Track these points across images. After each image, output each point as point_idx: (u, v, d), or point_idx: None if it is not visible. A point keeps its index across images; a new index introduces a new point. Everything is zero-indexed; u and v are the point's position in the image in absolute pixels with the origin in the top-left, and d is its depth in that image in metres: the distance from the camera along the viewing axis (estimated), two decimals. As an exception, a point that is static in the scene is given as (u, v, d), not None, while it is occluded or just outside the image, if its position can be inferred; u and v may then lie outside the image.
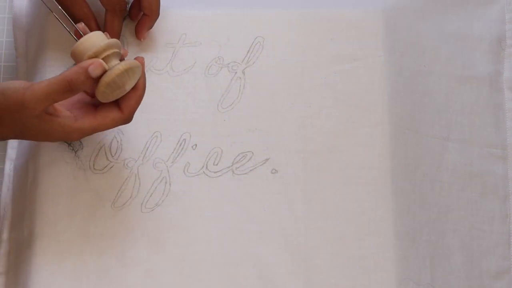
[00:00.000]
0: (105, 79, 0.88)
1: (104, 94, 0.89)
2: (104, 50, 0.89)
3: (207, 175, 0.98)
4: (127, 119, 0.91)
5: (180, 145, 0.99)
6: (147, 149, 0.98)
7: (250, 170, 0.98)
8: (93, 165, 0.97)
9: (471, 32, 1.06)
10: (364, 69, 1.01)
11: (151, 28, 1.01)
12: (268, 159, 0.98)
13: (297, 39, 1.02)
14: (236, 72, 1.01)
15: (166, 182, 0.97)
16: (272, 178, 0.98)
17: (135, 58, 0.91)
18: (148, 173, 0.97)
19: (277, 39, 1.02)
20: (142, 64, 0.91)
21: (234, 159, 0.98)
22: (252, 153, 0.99)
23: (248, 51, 1.02)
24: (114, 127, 0.91)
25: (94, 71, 0.87)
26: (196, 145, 0.99)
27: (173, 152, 0.98)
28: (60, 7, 0.96)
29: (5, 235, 0.98)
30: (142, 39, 1.01)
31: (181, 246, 0.95)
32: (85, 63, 0.87)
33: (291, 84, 1.01)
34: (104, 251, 0.95)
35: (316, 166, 0.98)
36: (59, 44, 1.02)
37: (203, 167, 0.98)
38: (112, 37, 0.95)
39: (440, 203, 0.99)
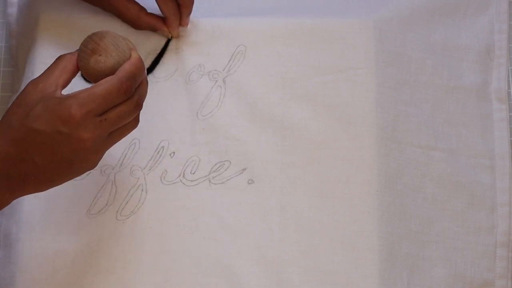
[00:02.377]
0: None
1: (82, 65, 0.83)
2: None
3: (183, 183, 0.95)
4: (124, 83, 0.81)
5: (158, 153, 0.96)
6: (124, 156, 0.96)
7: (227, 180, 0.95)
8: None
9: (459, 42, 1.03)
10: (345, 81, 0.97)
11: (190, 14, 0.99)
12: (245, 169, 0.96)
13: (279, 49, 0.99)
14: (216, 80, 0.99)
15: (142, 190, 0.95)
16: (248, 188, 0.95)
17: None
18: (124, 180, 0.95)
19: (259, 48, 0.99)
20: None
21: (212, 168, 0.96)
22: (230, 162, 0.96)
23: (230, 59, 0.99)
24: (112, 91, 0.81)
25: None
26: (174, 153, 0.96)
27: (150, 160, 0.96)
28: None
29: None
30: (185, 26, 1.00)
31: (154, 254, 0.93)
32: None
33: (271, 94, 0.98)
34: (77, 258, 0.93)
35: (293, 178, 0.95)
36: (47, 53, 1.00)
37: (180, 175, 0.96)
38: (170, 16, 0.98)
39: (423, 215, 0.96)
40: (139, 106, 0.84)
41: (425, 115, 0.99)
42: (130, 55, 0.83)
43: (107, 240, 0.93)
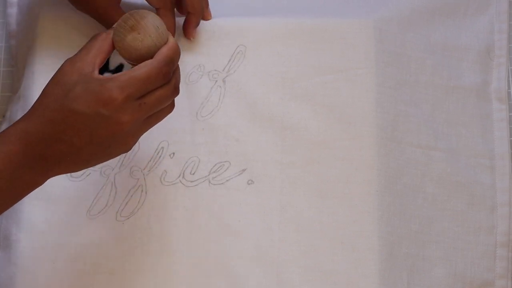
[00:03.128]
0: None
1: (117, 40, 0.83)
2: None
3: (183, 184, 0.95)
4: (163, 67, 0.81)
5: (157, 153, 0.96)
6: (124, 157, 0.96)
7: (227, 180, 0.95)
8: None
9: (459, 42, 1.02)
10: (345, 81, 0.97)
11: (197, 25, 0.99)
12: (245, 169, 0.95)
13: (279, 49, 0.99)
14: (216, 81, 0.98)
15: (142, 191, 0.95)
16: (248, 189, 0.94)
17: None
18: (124, 181, 0.95)
19: (259, 48, 0.99)
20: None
21: (211, 168, 0.95)
22: (229, 163, 0.95)
23: (230, 59, 0.99)
24: (152, 75, 0.80)
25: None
26: (173, 153, 0.96)
27: (150, 160, 0.96)
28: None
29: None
30: (192, 38, 0.99)
31: (154, 255, 0.92)
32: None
33: (271, 94, 0.97)
34: (77, 259, 0.92)
35: (293, 178, 0.94)
36: (47, 53, 1.00)
37: (179, 176, 0.95)
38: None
39: (423, 215, 0.95)
40: (176, 90, 0.84)
41: (425, 115, 0.98)
42: (167, 39, 0.83)
43: (107, 240, 0.93)
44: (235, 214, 0.94)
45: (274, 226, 0.93)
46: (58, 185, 0.94)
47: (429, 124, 0.98)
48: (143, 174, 0.95)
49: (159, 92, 0.82)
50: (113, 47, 0.83)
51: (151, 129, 0.95)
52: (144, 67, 0.80)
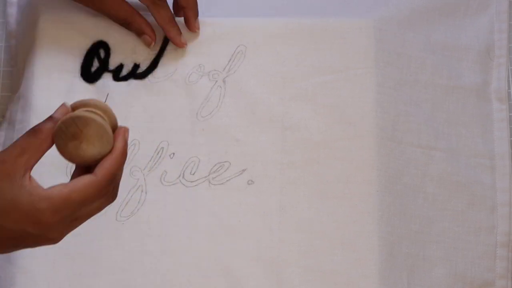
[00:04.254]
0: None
1: (59, 144, 0.76)
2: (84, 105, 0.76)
3: (183, 184, 0.94)
4: (104, 186, 0.74)
5: (157, 154, 0.95)
6: None
7: (227, 180, 0.94)
8: (70, 172, 0.95)
9: (459, 42, 1.02)
10: (345, 81, 0.96)
11: (197, 16, 0.98)
12: (245, 169, 0.95)
13: (279, 48, 0.98)
14: (216, 81, 0.98)
15: (142, 191, 0.94)
16: (248, 189, 0.94)
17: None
18: (124, 181, 0.93)
19: (259, 48, 0.98)
20: (124, 131, 0.77)
21: (211, 168, 0.95)
22: (229, 163, 0.95)
23: (230, 59, 0.98)
24: (89, 196, 0.74)
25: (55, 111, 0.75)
26: (173, 153, 0.95)
27: (150, 161, 0.95)
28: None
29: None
30: (196, 30, 0.98)
31: (154, 255, 0.92)
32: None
33: (271, 94, 0.97)
34: (77, 259, 0.92)
35: (292, 178, 0.94)
36: (47, 53, 0.99)
37: (179, 176, 0.95)
38: (165, 25, 0.96)
39: (423, 215, 0.95)
40: (113, 197, 0.77)
41: (425, 115, 0.98)
42: (113, 146, 0.75)
43: (107, 240, 0.92)
44: (235, 214, 0.93)
45: (274, 226, 0.92)
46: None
47: (429, 124, 0.98)
48: (143, 174, 0.95)
49: (95, 206, 0.75)
50: (52, 145, 0.76)
51: (150, 128, 0.96)
52: (83, 188, 0.73)
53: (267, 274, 0.91)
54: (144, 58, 0.99)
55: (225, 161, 0.95)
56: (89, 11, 1.00)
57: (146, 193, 0.94)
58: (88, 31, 1.00)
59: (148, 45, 0.98)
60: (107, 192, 0.75)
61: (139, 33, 0.98)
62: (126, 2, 0.97)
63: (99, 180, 0.74)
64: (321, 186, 0.94)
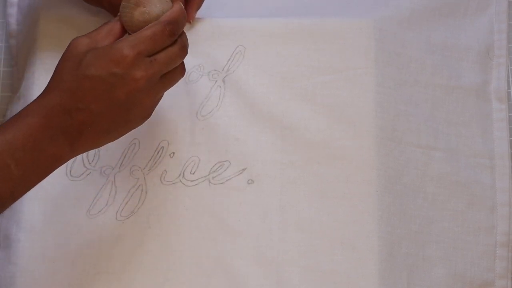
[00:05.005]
0: None
1: (126, 18, 0.85)
2: None
3: (183, 183, 0.94)
4: (170, 29, 0.83)
5: (157, 153, 0.95)
6: (124, 156, 0.95)
7: (227, 180, 0.94)
8: (70, 172, 0.94)
9: (458, 42, 1.01)
10: (345, 81, 0.96)
11: (199, 8, 0.98)
12: (245, 169, 0.94)
13: (279, 49, 0.98)
14: (216, 81, 0.97)
15: (142, 190, 0.94)
16: (248, 188, 0.94)
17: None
18: (124, 181, 0.94)
19: (258, 48, 0.98)
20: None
21: (211, 168, 0.95)
22: (229, 162, 0.95)
23: (229, 59, 0.98)
24: (158, 34, 0.82)
25: None
26: (173, 153, 0.95)
27: (150, 160, 0.95)
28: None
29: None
30: (191, 21, 0.99)
31: (154, 254, 0.92)
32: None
33: (271, 94, 0.96)
34: (77, 259, 0.92)
35: (292, 178, 0.94)
36: (47, 53, 0.99)
37: (179, 175, 0.94)
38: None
39: (423, 215, 0.95)
40: (184, 50, 0.84)
41: (425, 115, 0.98)
42: (172, 6, 0.85)
43: (107, 240, 0.92)
44: (235, 214, 0.93)
45: (274, 226, 0.92)
46: (58, 185, 0.94)
47: (429, 124, 0.97)
48: (143, 174, 0.94)
49: (169, 50, 0.83)
50: (123, 30, 0.84)
51: (151, 128, 0.95)
52: (150, 27, 0.82)
53: (267, 274, 0.91)
54: None
55: (225, 161, 0.95)
56: (89, 11, 1.00)
57: (146, 192, 0.94)
58: (88, 30, 0.99)
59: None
60: (173, 34, 0.83)
61: None
62: None
63: (163, 21, 0.82)
64: (321, 186, 0.93)
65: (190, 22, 0.99)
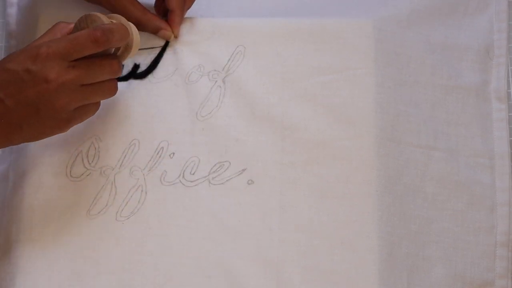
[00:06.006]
0: None
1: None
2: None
3: (183, 184, 0.94)
4: (93, 35, 0.84)
5: (157, 153, 0.95)
6: (124, 157, 0.94)
7: (227, 180, 0.94)
8: (70, 172, 0.94)
9: (458, 42, 1.01)
10: (345, 81, 0.96)
11: (180, 23, 0.98)
12: (244, 169, 0.94)
13: (279, 49, 0.98)
14: (216, 81, 0.97)
15: (142, 190, 0.93)
16: (248, 189, 0.93)
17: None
18: (124, 181, 0.94)
19: (258, 48, 0.98)
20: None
21: (211, 168, 0.94)
22: (229, 163, 0.94)
23: (229, 59, 0.98)
24: (79, 38, 0.84)
25: None
26: (173, 153, 0.95)
27: (150, 160, 0.94)
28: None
29: (-17, 241, 0.95)
30: (176, 37, 0.99)
31: (154, 255, 0.91)
32: None
33: (270, 94, 0.96)
34: (78, 259, 0.91)
35: (292, 178, 0.93)
36: None
37: (179, 176, 0.94)
38: (176, 9, 0.96)
39: (423, 215, 0.94)
40: (113, 66, 0.86)
41: (424, 115, 0.97)
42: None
43: (107, 240, 0.92)
44: (235, 214, 0.92)
45: (274, 226, 0.92)
46: (58, 185, 0.93)
47: (428, 124, 0.97)
48: (143, 174, 0.94)
49: (93, 59, 0.84)
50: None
51: (151, 128, 0.94)
52: (77, 32, 0.84)
53: (267, 274, 0.90)
54: (144, 58, 0.98)
55: (225, 161, 0.94)
56: (89, 11, 0.99)
57: (146, 193, 0.93)
58: (88, 31, 0.99)
59: (168, 38, 0.98)
60: (100, 42, 0.83)
61: (155, 31, 0.98)
62: (138, 2, 0.97)
63: (93, 27, 0.85)
64: (321, 186, 0.93)
65: (176, 37, 0.99)
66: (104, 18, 0.87)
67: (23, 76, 0.82)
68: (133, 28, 0.90)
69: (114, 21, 0.88)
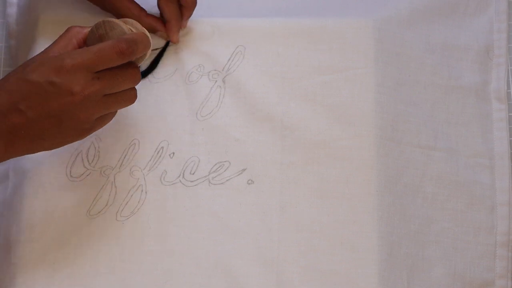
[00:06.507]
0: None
1: (88, 43, 0.87)
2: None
3: (183, 184, 0.94)
4: (118, 46, 0.83)
5: (157, 153, 0.95)
6: (124, 157, 0.94)
7: (227, 180, 0.94)
8: (70, 172, 0.94)
9: (458, 42, 1.01)
10: (345, 81, 0.96)
11: (190, 16, 0.98)
12: (245, 169, 0.94)
13: (279, 49, 0.97)
14: (216, 81, 0.97)
15: (142, 190, 0.93)
16: (248, 188, 0.93)
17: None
18: (124, 181, 0.94)
19: (258, 48, 0.98)
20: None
21: (211, 168, 0.94)
22: (229, 162, 0.94)
23: (229, 59, 0.97)
24: (104, 50, 0.82)
25: None
26: (173, 153, 0.95)
27: (150, 160, 0.94)
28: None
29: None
30: (183, 27, 0.98)
31: (154, 255, 0.91)
32: None
33: (270, 94, 0.96)
34: (77, 259, 0.91)
35: (292, 178, 0.93)
36: None
37: (179, 175, 0.94)
38: (172, 19, 0.96)
39: (422, 215, 0.94)
40: (135, 76, 0.85)
41: (424, 115, 0.97)
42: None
43: (107, 240, 0.92)
44: (235, 214, 0.92)
45: (274, 226, 0.92)
46: (58, 185, 0.93)
47: (428, 124, 0.97)
48: (143, 174, 0.94)
49: (116, 70, 0.83)
50: (83, 43, 0.86)
51: (151, 128, 0.94)
52: (100, 43, 0.82)
53: (267, 273, 0.90)
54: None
55: (225, 161, 0.94)
56: (89, 11, 1.00)
57: (146, 193, 0.93)
58: (88, 31, 0.99)
59: (166, 38, 0.98)
60: (125, 53, 0.82)
61: (152, 31, 0.98)
62: (135, 3, 0.96)
63: (117, 39, 0.83)
64: (321, 186, 0.93)
65: (175, 43, 0.98)
66: (124, 26, 0.86)
67: (47, 88, 0.80)
68: (147, 33, 0.89)
69: (133, 29, 0.87)
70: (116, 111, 0.88)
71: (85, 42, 0.86)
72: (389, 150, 0.94)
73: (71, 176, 0.94)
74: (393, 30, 0.98)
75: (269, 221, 0.92)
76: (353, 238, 0.91)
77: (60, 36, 0.85)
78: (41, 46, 0.99)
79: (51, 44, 0.85)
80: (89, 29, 0.86)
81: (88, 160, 0.94)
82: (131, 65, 0.85)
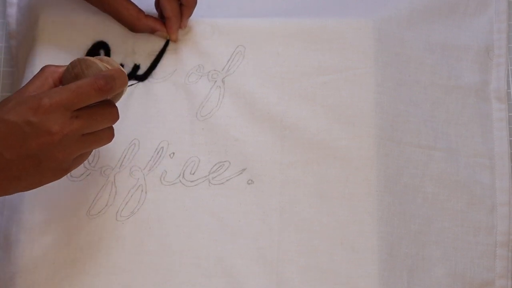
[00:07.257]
0: None
1: (63, 82, 0.85)
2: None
3: (183, 184, 0.93)
4: (96, 83, 0.81)
5: (157, 153, 0.94)
6: (124, 157, 0.94)
7: (227, 180, 0.93)
8: (70, 172, 0.94)
9: (458, 42, 1.01)
10: (345, 81, 0.95)
11: (190, 15, 0.98)
12: (244, 169, 0.94)
13: (279, 49, 0.97)
14: (216, 81, 0.97)
15: (142, 190, 0.93)
16: (248, 188, 0.93)
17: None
18: (124, 181, 0.93)
19: (258, 48, 0.98)
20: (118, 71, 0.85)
21: (211, 168, 0.94)
22: (229, 162, 0.94)
23: (229, 59, 0.97)
24: (82, 88, 0.80)
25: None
26: (173, 153, 0.94)
27: (150, 160, 0.94)
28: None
29: (-18, 241, 0.94)
30: (183, 27, 0.98)
31: (154, 255, 0.91)
32: None
33: (270, 94, 0.96)
34: (77, 259, 0.91)
35: (292, 178, 0.93)
36: (47, 53, 0.99)
37: (179, 175, 0.94)
38: (172, 17, 0.96)
39: (423, 215, 0.94)
40: (114, 114, 0.83)
41: (424, 115, 0.97)
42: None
43: (107, 240, 0.91)
44: (235, 214, 0.92)
45: (274, 226, 0.92)
46: (58, 185, 0.92)
47: (428, 124, 0.97)
48: (143, 174, 0.94)
49: (94, 109, 0.81)
50: (59, 82, 0.84)
51: (151, 128, 0.94)
52: (79, 81, 0.80)
53: (267, 273, 0.90)
54: (144, 58, 0.98)
55: (225, 161, 0.94)
56: (89, 11, 1.00)
57: (146, 193, 0.93)
58: (88, 31, 0.99)
59: (165, 38, 0.98)
60: (103, 90, 0.81)
61: (150, 32, 0.97)
62: (133, 4, 0.96)
63: (95, 76, 0.81)
64: (320, 186, 0.93)
65: (175, 42, 0.98)
66: (100, 64, 0.84)
67: (24, 128, 0.78)
68: (122, 69, 0.87)
69: (109, 67, 0.85)
70: (91, 151, 0.86)
71: (61, 81, 0.84)
72: (389, 150, 0.94)
73: (71, 176, 0.94)
74: (393, 30, 0.98)
75: (269, 221, 0.92)
76: (353, 238, 0.91)
77: (35, 76, 0.83)
78: (41, 46, 0.99)
79: (26, 84, 0.83)
80: (65, 68, 0.84)
81: (88, 160, 0.94)
82: (109, 103, 0.84)
